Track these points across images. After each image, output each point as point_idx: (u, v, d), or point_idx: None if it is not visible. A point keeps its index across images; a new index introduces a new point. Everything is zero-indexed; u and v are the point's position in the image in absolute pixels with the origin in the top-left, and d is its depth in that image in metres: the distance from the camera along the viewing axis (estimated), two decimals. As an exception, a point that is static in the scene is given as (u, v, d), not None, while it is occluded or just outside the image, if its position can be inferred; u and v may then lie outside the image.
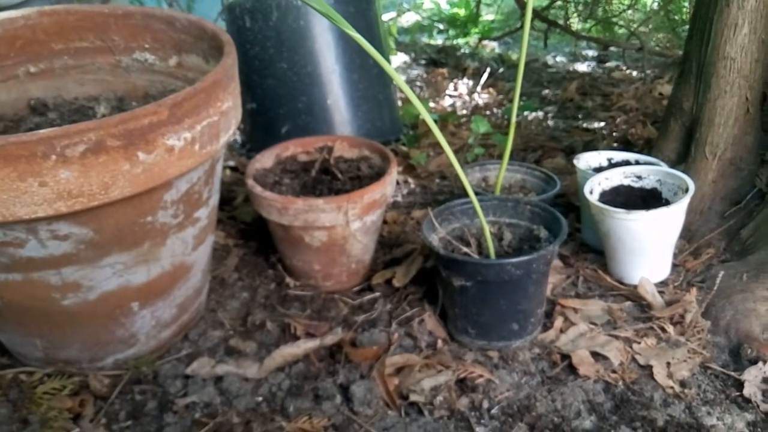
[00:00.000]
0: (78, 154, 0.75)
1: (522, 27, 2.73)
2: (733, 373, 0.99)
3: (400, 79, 0.87)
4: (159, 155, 0.82)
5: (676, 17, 2.71)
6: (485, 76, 2.50)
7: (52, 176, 0.75)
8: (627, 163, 1.30)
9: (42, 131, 0.73)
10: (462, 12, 3.15)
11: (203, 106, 0.87)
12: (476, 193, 1.06)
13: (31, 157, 0.73)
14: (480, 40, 2.95)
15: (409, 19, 3.38)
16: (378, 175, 1.22)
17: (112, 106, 1.16)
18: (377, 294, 1.19)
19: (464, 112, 2.22)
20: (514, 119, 1.16)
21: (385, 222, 1.41)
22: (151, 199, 0.87)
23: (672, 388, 0.96)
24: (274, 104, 1.75)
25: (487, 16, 3.23)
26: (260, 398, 0.97)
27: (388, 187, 1.16)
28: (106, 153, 0.77)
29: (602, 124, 2.03)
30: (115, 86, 1.20)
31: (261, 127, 1.78)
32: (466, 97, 2.38)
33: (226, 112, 0.93)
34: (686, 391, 0.95)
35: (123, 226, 0.86)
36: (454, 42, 3.04)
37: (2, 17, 1.12)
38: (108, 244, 0.87)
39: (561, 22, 2.61)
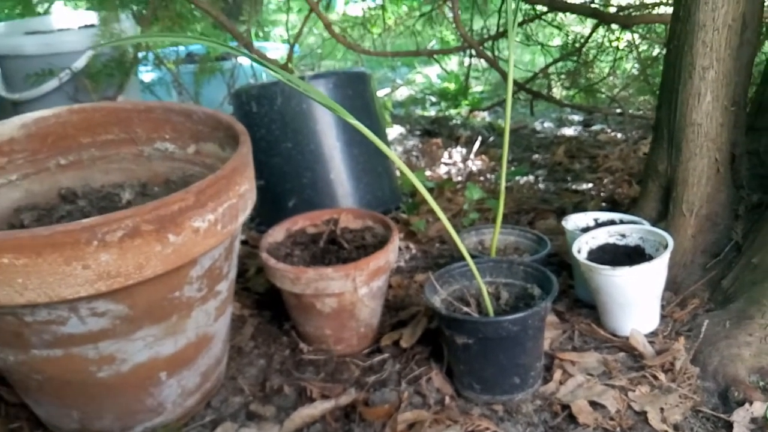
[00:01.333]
0: (117, 239, 0.85)
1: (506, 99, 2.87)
2: (722, 416, 1.05)
3: (396, 157, 0.98)
4: (186, 236, 0.91)
5: (657, 80, 2.87)
6: (477, 144, 2.63)
7: (94, 259, 0.84)
8: (612, 222, 1.40)
9: (86, 220, 0.83)
10: (452, 86, 3.32)
11: (224, 191, 0.97)
12: (473, 256, 1.15)
13: (75, 243, 0.83)
14: (471, 110, 3.11)
15: (402, 93, 3.56)
16: (381, 243, 1.31)
17: (136, 192, 1.26)
18: (386, 355, 1.26)
19: (459, 178, 2.34)
20: (503, 186, 1.27)
21: (390, 286, 1.50)
22: (178, 275, 0.96)
23: (666, 431, 1.02)
24: (281, 181, 1.86)
25: (476, 87, 3.40)
26: (281, 459, 1.03)
27: (391, 254, 1.26)
28: (140, 237, 0.86)
29: (590, 185, 2.15)
30: (138, 173, 1.31)
31: (269, 202, 1.89)
32: (461, 165, 2.51)
33: (244, 195, 1.04)
34: (679, 433, 1.02)
35: (154, 301, 0.95)
36: (447, 113, 3.20)
37: (36, 116, 1.24)
38: (141, 318, 0.95)
39: (545, 91, 2.77)
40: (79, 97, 2.18)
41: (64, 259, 0.83)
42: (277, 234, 1.36)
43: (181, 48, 2.81)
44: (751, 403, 1.05)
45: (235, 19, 2.75)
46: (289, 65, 2.41)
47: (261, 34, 3.71)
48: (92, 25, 2.34)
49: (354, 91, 1.89)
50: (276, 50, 3.09)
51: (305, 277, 1.18)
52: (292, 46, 2.44)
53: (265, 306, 1.46)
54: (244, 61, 2.66)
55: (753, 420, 1.03)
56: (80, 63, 2.17)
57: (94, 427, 1.05)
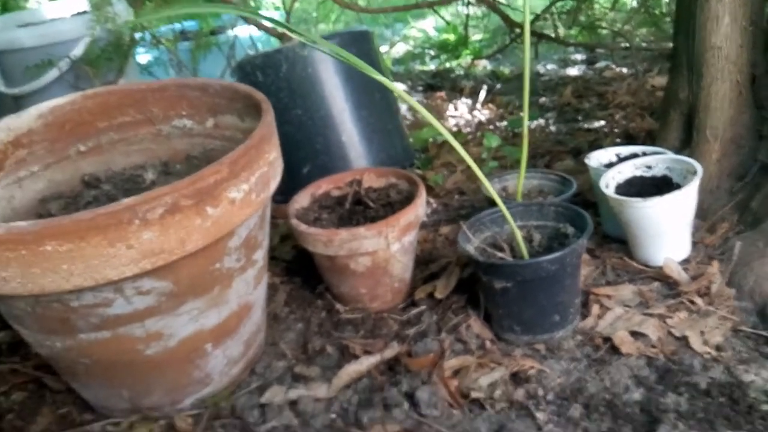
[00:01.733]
0: (158, 216, 0.85)
1: (512, 42, 2.83)
2: (763, 333, 1.07)
3: (422, 108, 0.97)
4: (224, 208, 0.92)
5: (656, 11, 2.82)
6: (483, 93, 2.61)
7: (137, 238, 0.85)
8: (635, 155, 1.40)
9: (126, 200, 0.83)
10: (452, 37, 3.28)
11: (255, 160, 0.97)
12: (501, 202, 1.15)
13: (118, 224, 0.83)
14: (472, 60, 3.07)
15: (399, 49, 3.51)
16: (407, 199, 1.31)
17: (158, 171, 1.26)
18: (422, 307, 1.28)
19: (468, 129, 2.33)
20: (526, 128, 1.26)
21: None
22: (218, 247, 0.97)
23: (709, 353, 1.04)
24: (294, 148, 1.85)
25: (475, 36, 3.36)
26: (334, 415, 1.05)
27: (420, 208, 1.26)
28: (180, 212, 0.87)
29: (602, 122, 2.13)
30: (159, 153, 1.31)
31: (284, 170, 1.89)
32: (468, 116, 2.49)
33: (273, 162, 1.04)
34: (722, 354, 1.04)
35: (196, 275, 0.96)
36: (447, 65, 3.16)
37: (52, 105, 1.23)
38: (184, 293, 0.96)
39: (547, 32, 2.73)
40: (80, 85, 2.16)
41: (108, 241, 0.83)
42: (302, 200, 1.36)
43: (176, 26, 2.77)
44: (790, 319, 1.07)
45: (225, -10, 2.70)
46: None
47: (252, 2, 3.65)
48: (85, 12, 2.31)
49: (358, 50, 1.86)
50: (269, 18, 3.04)
51: (338, 238, 1.18)
52: (288, 13, 2.40)
53: (294, 272, 1.47)
54: (240, 32, 2.63)
55: (794, 334, 1.05)
56: (78, 51, 2.14)
57: (144, 404, 1.08)
